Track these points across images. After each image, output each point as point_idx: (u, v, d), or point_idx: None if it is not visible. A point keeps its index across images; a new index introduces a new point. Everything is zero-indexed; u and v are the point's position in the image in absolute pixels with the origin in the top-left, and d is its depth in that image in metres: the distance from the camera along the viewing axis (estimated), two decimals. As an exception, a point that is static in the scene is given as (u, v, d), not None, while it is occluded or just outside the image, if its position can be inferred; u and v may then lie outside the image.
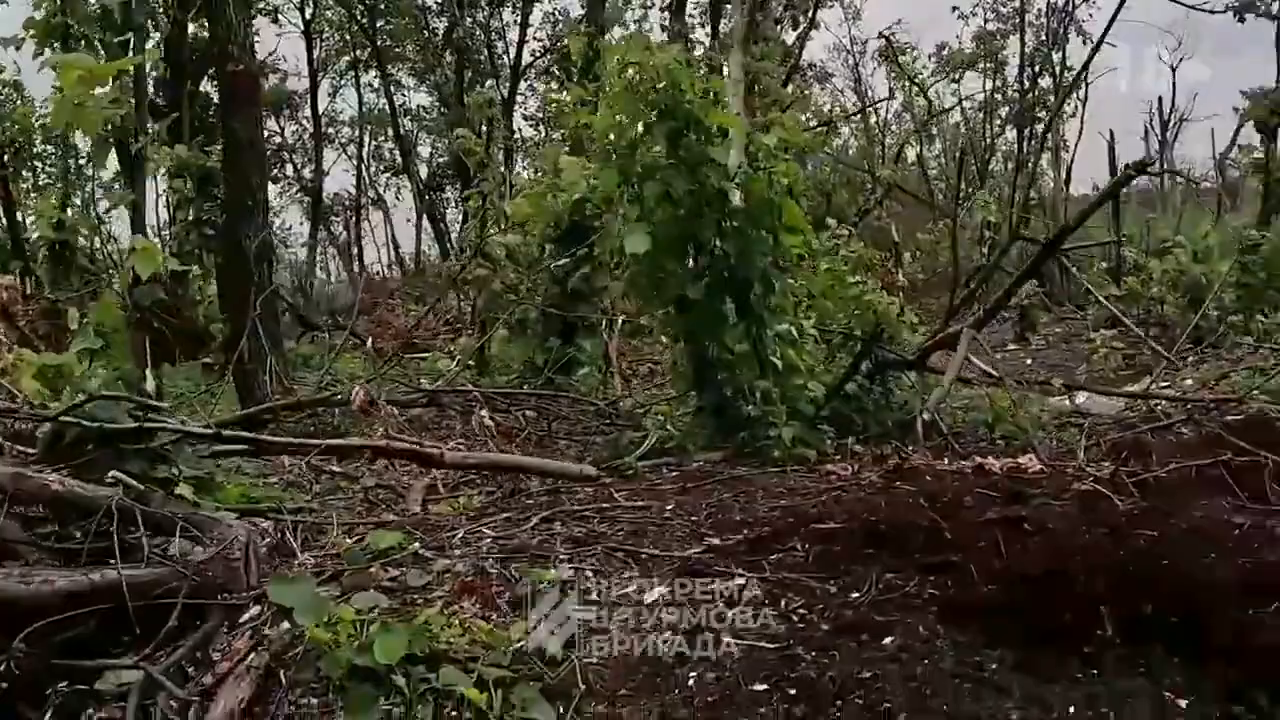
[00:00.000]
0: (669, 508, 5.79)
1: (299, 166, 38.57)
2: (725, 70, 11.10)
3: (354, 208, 40.27)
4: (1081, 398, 10.56)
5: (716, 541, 4.94)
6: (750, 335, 7.72)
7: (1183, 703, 3.32)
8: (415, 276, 33.28)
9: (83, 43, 11.22)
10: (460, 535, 5.49)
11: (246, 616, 4.45)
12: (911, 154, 35.89)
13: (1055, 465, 6.28)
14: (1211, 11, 20.35)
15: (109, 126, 7.64)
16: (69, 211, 10.49)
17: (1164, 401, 9.39)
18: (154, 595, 4.44)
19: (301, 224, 37.77)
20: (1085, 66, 28.28)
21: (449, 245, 33.20)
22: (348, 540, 5.55)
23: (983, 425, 8.95)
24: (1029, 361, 16.50)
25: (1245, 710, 3.27)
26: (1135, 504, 5.07)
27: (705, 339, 7.96)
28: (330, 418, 11.31)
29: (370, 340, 17.60)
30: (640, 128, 7.51)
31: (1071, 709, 3.28)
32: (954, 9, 38.96)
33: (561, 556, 4.91)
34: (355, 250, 41.00)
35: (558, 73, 20.04)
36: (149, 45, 17.51)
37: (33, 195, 19.98)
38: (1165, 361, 11.23)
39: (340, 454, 7.78)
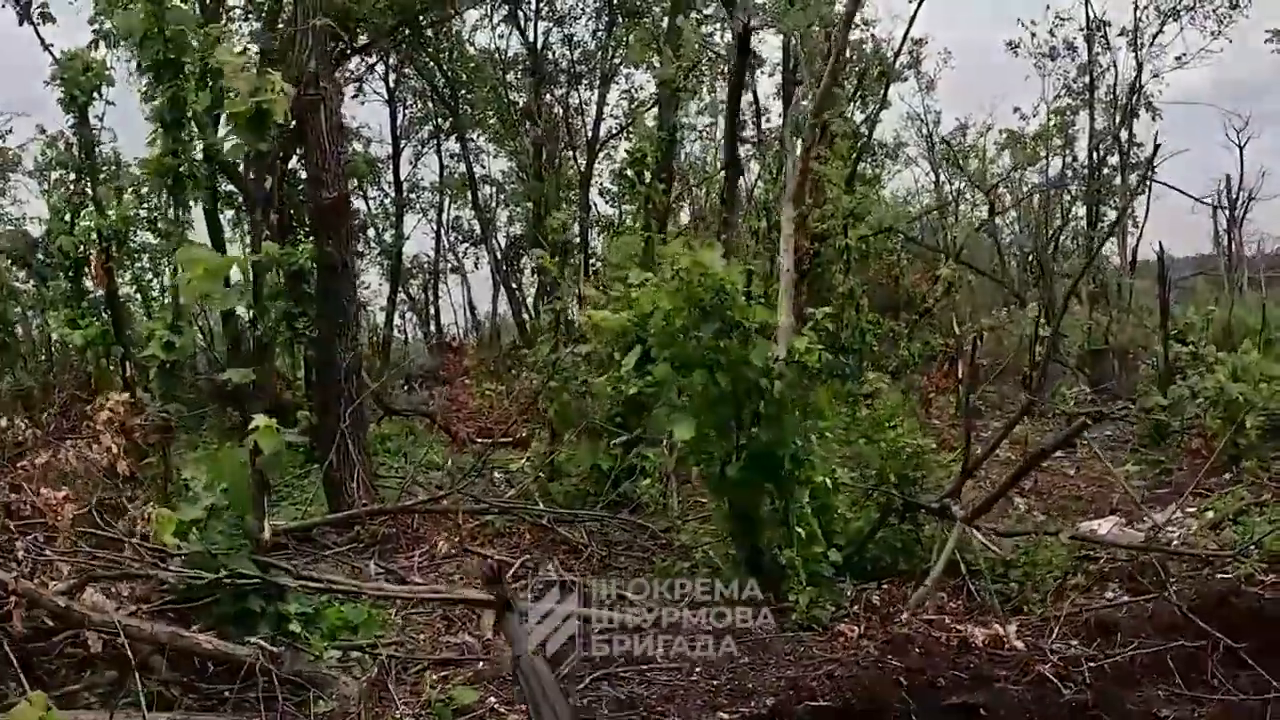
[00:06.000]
0: (698, 669, 6.89)
1: (380, 231, 39.88)
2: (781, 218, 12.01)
3: (432, 272, 41.55)
4: (1102, 530, 11.37)
5: (725, 716, 6.01)
6: (778, 505, 8.87)
7: None
8: (489, 347, 34.37)
9: (192, 182, 12.39)
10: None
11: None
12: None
13: (1030, 641, 7.29)
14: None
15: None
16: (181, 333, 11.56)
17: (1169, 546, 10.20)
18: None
19: (381, 285, 39.10)
20: (1142, 178, 28.44)
21: (525, 314, 34.36)
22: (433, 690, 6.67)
23: (999, 564, 9.85)
24: (1072, 473, 16.93)
25: None
26: (1080, 692, 6.07)
27: (741, 506, 9.05)
28: (411, 521, 12.52)
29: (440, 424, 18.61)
30: (688, 317, 8.56)
31: None
32: (1015, 109, 39.34)
33: (603, 721, 6.04)
34: (432, 311, 42.27)
35: (629, 175, 20.92)
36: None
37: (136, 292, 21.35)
38: (1182, 497, 11.87)
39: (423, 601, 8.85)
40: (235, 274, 9.33)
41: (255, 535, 7.61)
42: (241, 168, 19.35)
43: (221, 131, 13.65)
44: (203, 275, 7.94)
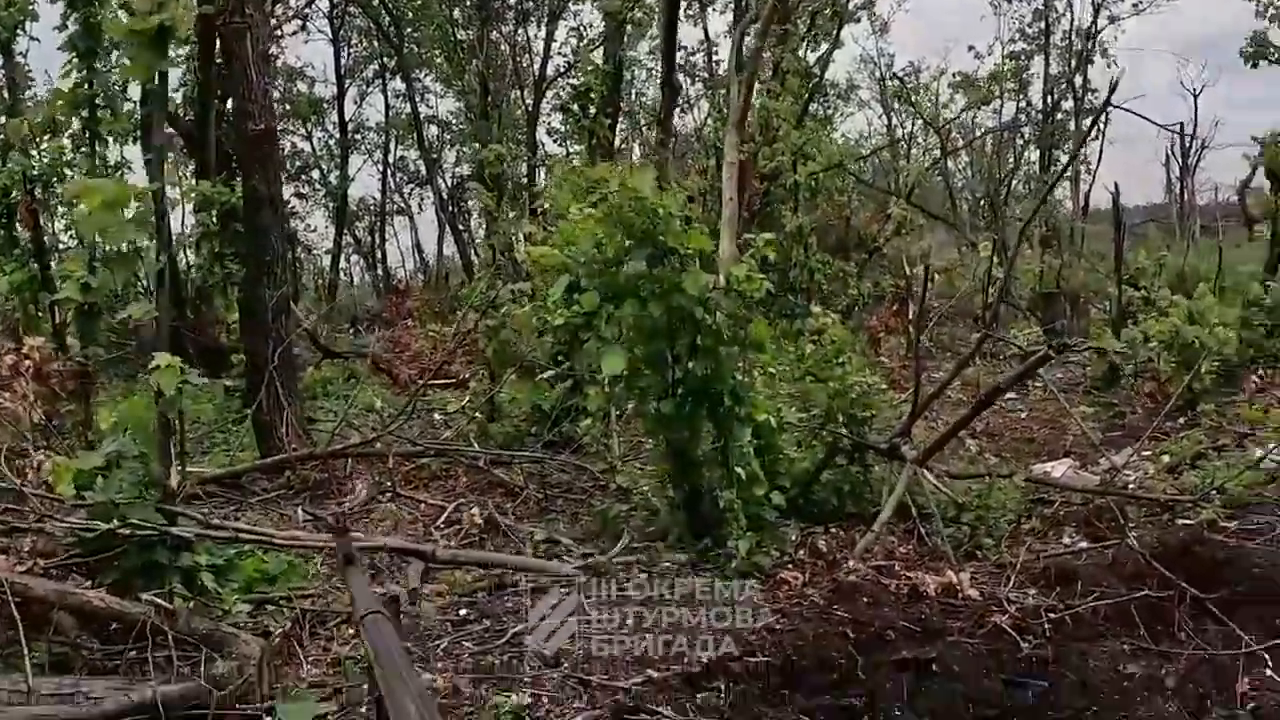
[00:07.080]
0: (628, 622, 6.51)
1: (325, 172, 39.25)
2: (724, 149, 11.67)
3: (378, 213, 41.01)
4: (1056, 473, 11.09)
5: (655, 674, 5.64)
6: (718, 444, 8.41)
7: None
8: (436, 289, 33.88)
9: (109, 111, 11.83)
10: (444, 645, 6.20)
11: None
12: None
13: (985, 589, 6.93)
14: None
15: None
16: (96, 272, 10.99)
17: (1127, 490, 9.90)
18: (184, 708, 5.23)
19: (327, 228, 38.58)
20: (1095, 119, 28.30)
21: (473, 254, 33.85)
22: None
23: (951, 507, 9.47)
24: (1024, 415, 16.68)
25: None
26: (1040, 646, 5.72)
27: (679, 444, 8.62)
28: (343, 466, 12.05)
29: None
30: (620, 244, 8.16)
31: None
32: (970, 48, 39.31)
33: (526, 679, 5.67)
34: (379, 254, 41.79)
35: (574, 110, 20.47)
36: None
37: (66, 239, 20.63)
38: (1138, 440, 11.57)
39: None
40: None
41: (162, 483, 7.13)
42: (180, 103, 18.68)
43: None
44: (99, 207, 7.40)
